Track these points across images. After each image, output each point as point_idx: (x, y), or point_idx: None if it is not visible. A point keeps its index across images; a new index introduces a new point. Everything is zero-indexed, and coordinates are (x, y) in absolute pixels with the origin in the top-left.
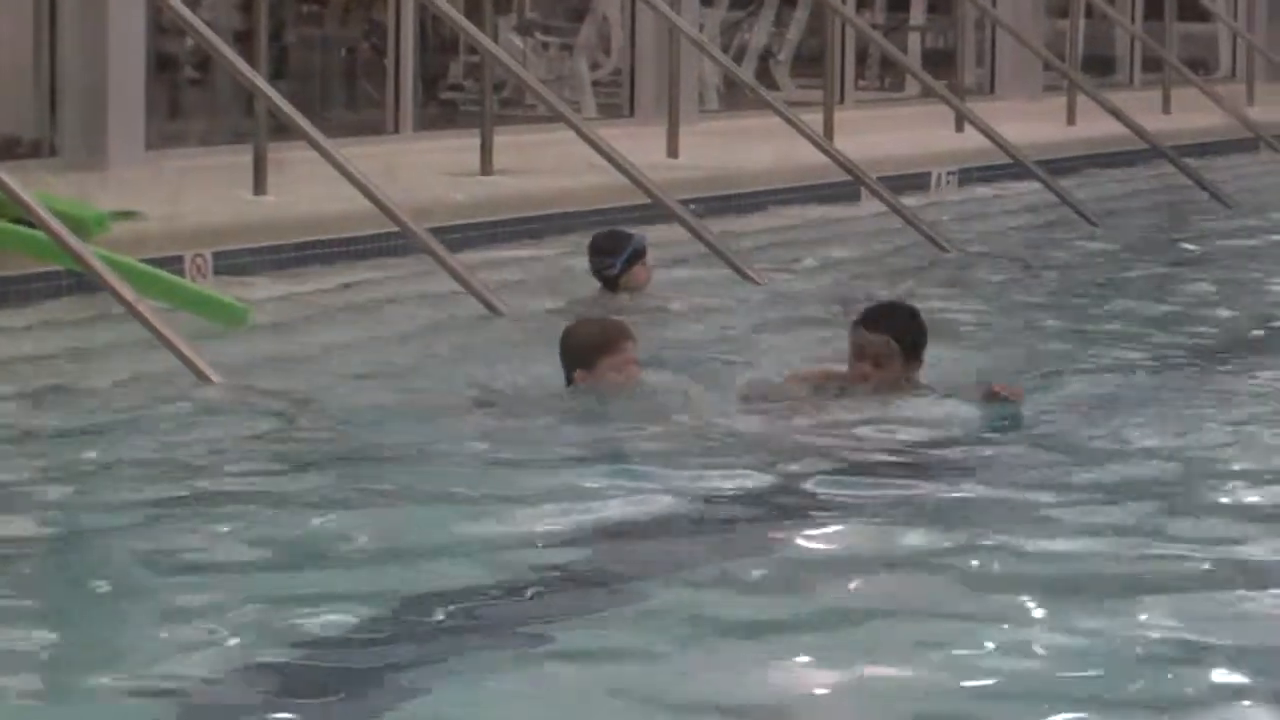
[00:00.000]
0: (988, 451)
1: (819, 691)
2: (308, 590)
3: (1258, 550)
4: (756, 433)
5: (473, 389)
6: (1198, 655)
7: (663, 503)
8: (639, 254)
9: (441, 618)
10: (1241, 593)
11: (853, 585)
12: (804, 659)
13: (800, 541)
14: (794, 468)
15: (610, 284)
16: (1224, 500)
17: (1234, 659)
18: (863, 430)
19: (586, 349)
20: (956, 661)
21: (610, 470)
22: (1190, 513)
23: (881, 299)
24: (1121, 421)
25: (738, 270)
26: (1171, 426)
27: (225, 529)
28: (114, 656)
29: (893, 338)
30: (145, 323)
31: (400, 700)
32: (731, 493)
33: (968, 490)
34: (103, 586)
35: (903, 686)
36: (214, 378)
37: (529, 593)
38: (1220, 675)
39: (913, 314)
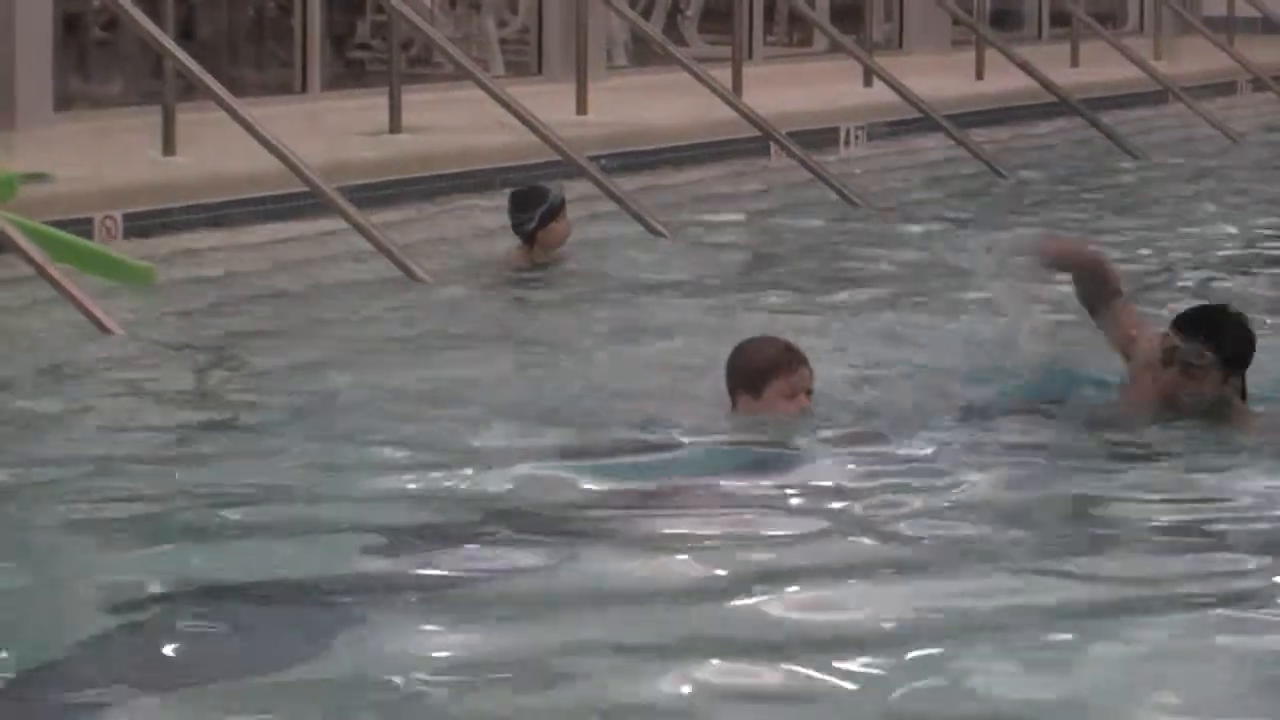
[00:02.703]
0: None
1: None
2: (211, 543)
3: None
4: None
5: (387, 348)
6: None
7: None
8: (556, 209)
9: (357, 566)
10: None
11: None
12: None
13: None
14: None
15: (528, 239)
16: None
17: None
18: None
19: (754, 372)
20: None
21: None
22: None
23: (1203, 303)
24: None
25: (647, 226)
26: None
27: (131, 482)
28: (28, 608)
29: (1209, 349)
30: (52, 281)
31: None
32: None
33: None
34: (8, 541)
35: None
36: (115, 329)
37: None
38: None
39: (1237, 320)
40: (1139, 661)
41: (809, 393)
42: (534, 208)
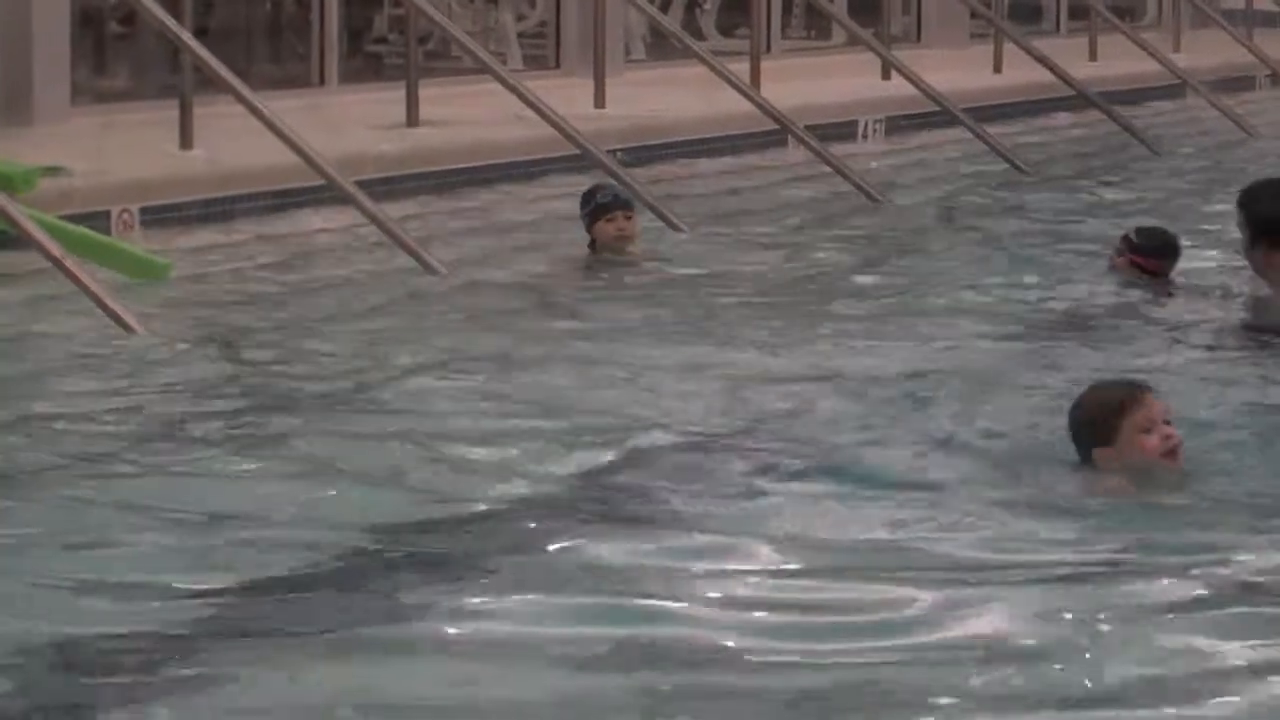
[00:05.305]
0: None
1: None
2: (234, 538)
3: None
4: None
5: (402, 339)
6: None
7: None
8: (603, 207)
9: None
10: None
11: None
12: None
13: None
14: None
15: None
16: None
17: None
18: None
19: (1101, 418)
20: None
21: None
22: None
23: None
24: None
25: (665, 220)
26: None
27: (154, 477)
28: (47, 605)
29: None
30: (72, 277)
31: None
32: None
33: None
34: (30, 536)
35: None
36: (137, 328)
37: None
38: None
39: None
40: None
41: (1168, 423)
42: (583, 207)
